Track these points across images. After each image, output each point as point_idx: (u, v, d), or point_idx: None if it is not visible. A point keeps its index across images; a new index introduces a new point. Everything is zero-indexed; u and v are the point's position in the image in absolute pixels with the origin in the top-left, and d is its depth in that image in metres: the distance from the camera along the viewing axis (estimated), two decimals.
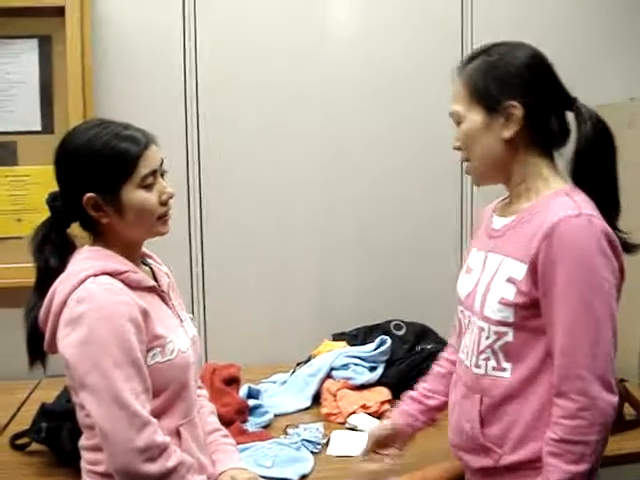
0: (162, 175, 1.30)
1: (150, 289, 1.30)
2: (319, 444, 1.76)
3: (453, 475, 1.52)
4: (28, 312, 1.28)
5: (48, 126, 2.26)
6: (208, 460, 1.36)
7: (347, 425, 1.88)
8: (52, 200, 1.29)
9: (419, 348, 2.20)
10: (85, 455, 1.27)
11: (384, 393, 2.01)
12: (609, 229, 1.16)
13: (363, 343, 2.25)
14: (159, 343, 1.24)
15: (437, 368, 1.54)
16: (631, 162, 2.29)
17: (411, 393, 1.55)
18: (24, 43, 2.22)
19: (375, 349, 2.15)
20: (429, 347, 2.17)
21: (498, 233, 1.29)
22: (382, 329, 2.31)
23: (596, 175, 1.23)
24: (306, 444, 1.75)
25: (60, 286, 1.22)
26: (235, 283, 2.42)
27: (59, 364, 1.23)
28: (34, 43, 2.22)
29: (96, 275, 1.20)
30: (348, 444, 1.72)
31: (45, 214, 1.31)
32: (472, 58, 1.29)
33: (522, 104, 1.22)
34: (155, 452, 1.16)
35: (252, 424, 1.86)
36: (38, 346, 1.27)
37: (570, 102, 1.26)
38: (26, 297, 1.30)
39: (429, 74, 2.41)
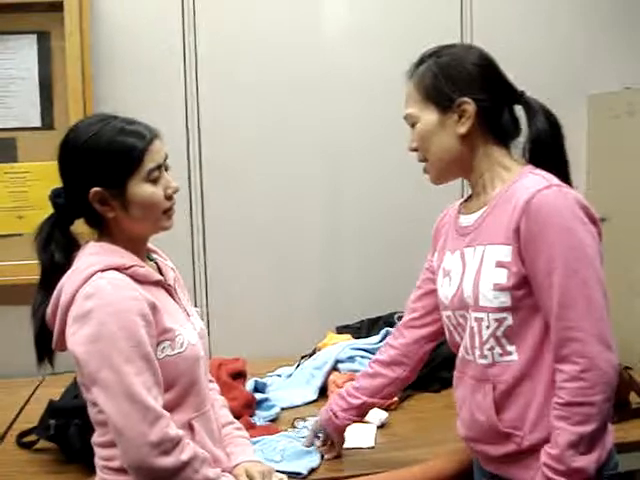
0: (166, 169, 1.30)
1: (157, 283, 1.29)
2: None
3: (462, 465, 1.52)
4: (35, 310, 1.27)
5: (48, 122, 2.24)
6: (223, 453, 1.36)
7: None
8: (56, 196, 1.28)
9: None
10: (99, 452, 1.26)
11: None
12: (580, 196, 1.20)
13: (367, 335, 2.26)
14: (169, 336, 1.24)
15: (367, 368, 1.60)
16: (631, 149, 2.31)
17: (339, 390, 1.65)
18: (23, 39, 2.21)
19: (380, 341, 2.15)
20: None
21: (471, 228, 1.31)
22: (385, 321, 2.32)
23: (552, 159, 1.28)
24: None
25: (67, 282, 1.21)
26: (238, 277, 2.42)
27: (63, 361, 1.22)
28: (33, 39, 2.21)
29: (103, 270, 1.20)
30: (356, 436, 1.71)
31: (46, 211, 1.30)
32: (422, 61, 1.33)
33: (474, 100, 1.26)
34: (169, 445, 1.15)
35: (259, 418, 1.86)
36: (46, 344, 1.26)
37: (518, 96, 1.31)
38: (27, 294, 1.29)
39: None
